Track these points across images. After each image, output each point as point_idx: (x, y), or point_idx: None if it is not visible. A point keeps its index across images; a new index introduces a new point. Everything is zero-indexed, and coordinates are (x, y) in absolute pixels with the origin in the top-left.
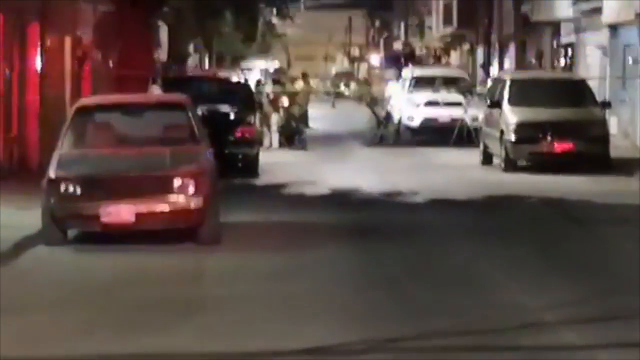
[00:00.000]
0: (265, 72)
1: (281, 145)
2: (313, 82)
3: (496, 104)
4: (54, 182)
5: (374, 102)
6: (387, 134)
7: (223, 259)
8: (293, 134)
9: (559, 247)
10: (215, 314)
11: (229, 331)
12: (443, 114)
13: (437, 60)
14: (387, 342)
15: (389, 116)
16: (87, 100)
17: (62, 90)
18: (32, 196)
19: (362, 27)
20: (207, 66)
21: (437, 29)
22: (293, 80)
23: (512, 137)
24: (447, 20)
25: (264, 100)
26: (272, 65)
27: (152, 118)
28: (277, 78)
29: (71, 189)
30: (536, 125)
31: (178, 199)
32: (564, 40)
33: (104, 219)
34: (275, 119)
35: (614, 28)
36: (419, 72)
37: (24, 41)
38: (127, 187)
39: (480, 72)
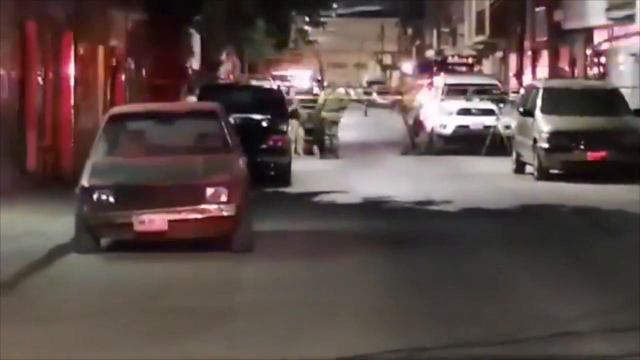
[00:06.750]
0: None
1: (307, 153)
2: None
3: (529, 112)
4: (87, 191)
5: (406, 110)
6: (419, 142)
7: (255, 267)
8: (323, 142)
9: (591, 256)
10: (247, 321)
11: (261, 339)
12: (475, 122)
13: (469, 68)
14: (418, 351)
15: (421, 124)
16: (120, 109)
17: (95, 99)
18: (65, 204)
19: (394, 35)
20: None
21: (469, 36)
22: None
23: (545, 146)
24: (479, 28)
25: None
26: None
27: (184, 127)
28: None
29: (104, 197)
30: (569, 133)
31: (211, 208)
32: (597, 47)
33: (137, 227)
34: (296, 125)
35: None
36: (451, 80)
37: (58, 50)
38: (160, 195)
39: (512, 80)
